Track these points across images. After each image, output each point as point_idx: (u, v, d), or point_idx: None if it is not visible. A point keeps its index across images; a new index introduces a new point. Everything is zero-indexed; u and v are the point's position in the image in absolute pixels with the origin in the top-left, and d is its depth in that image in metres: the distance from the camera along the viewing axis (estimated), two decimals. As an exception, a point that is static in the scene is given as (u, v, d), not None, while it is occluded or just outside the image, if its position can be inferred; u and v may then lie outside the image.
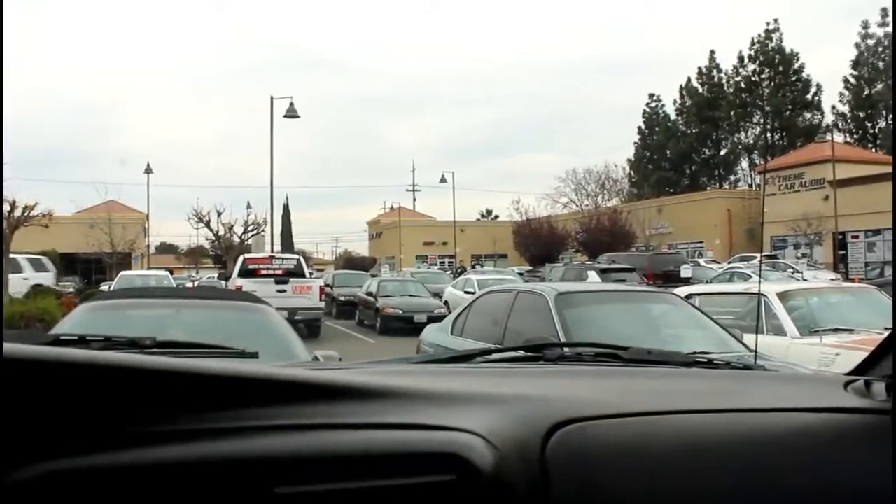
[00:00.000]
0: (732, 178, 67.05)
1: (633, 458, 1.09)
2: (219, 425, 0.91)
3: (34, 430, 0.82)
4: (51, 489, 0.80)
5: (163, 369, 0.92)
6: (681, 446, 1.13)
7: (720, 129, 66.04)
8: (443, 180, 55.23)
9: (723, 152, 67.28)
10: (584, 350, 1.74)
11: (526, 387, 1.28)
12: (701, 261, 37.07)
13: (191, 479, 0.86)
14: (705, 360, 1.76)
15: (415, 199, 76.84)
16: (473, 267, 45.18)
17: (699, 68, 67.10)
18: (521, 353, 1.77)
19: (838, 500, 1.15)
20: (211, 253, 48.57)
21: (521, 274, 31.62)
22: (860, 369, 1.46)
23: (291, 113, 30.34)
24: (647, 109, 71.36)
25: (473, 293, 14.98)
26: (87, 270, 44.78)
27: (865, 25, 56.50)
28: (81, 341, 2.15)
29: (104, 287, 28.10)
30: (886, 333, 1.43)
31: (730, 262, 34.67)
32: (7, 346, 0.82)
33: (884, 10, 51.77)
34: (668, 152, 67.91)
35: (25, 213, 21.93)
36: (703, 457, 1.12)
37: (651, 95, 71.41)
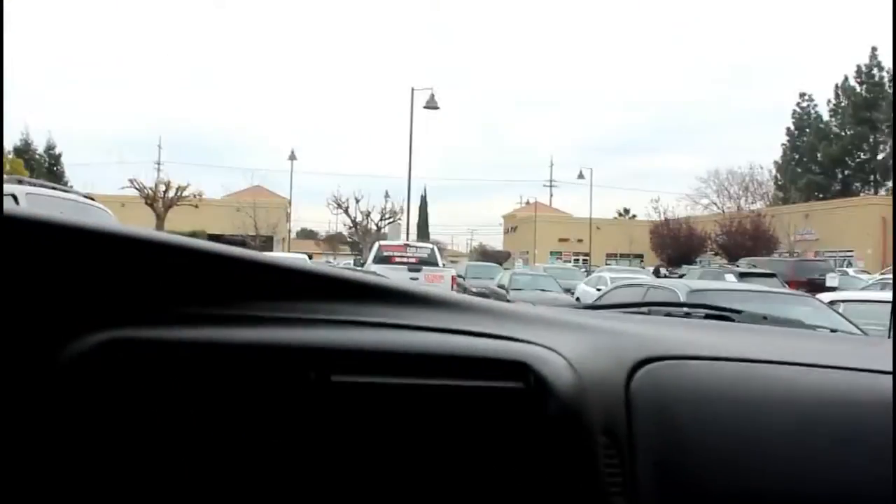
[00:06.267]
0: (889, 184, 63.20)
1: (724, 403, 1.01)
2: (280, 314, 0.91)
3: (95, 300, 0.85)
4: (111, 355, 0.83)
5: (219, 253, 0.93)
6: (778, 396, 1.04)
7: (878, 131, 62.22)
8: (580, 177, 54.60)
9: (880, 157, 63.30)
10: (695, 311, 1.71)
11: (619, 323, 1.20)
12: (850, 270, 35.10)
13: (250, 361, 0.87)
14: (830, 329, 1.71)
15: (552, 195, 76.43)
16: (657, 274, 43.15)
17: (858, 66, 63.37)
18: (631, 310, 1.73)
19: None
20: (349, 239, 49.91)
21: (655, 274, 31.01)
22: None
23: (431, 104, 30.81)
24: (798, 109, 68.04)
25: (605, 290, 14.80)
26: (233, 252, 46.86)
27: None
28: None
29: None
30: None
31: (882, 273, 32.70)
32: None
33: None
34: (818, 155, 64.55)
35: (178, 193, 23.17)
36: (802, 410, 1.03)
37: (802, 95, 68.15)
